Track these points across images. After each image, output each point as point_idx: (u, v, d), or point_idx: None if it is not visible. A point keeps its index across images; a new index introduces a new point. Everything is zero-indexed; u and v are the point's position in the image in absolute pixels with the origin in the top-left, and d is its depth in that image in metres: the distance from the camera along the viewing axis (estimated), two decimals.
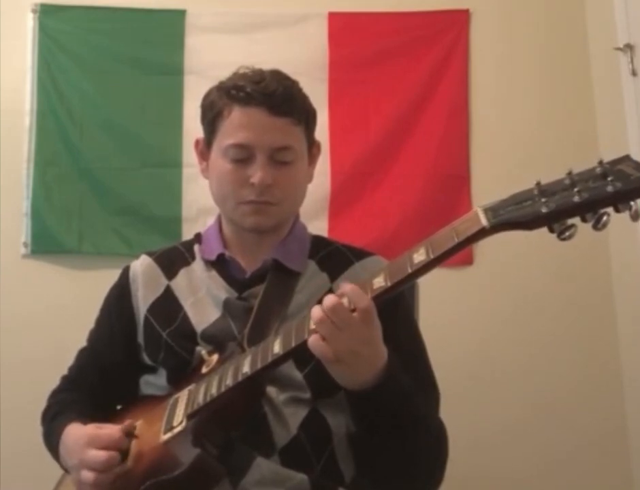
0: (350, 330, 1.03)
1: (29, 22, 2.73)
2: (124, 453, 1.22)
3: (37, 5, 2.73)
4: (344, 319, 1.02)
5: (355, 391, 1.11)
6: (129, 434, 1.24)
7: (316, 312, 1.04)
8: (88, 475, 1.18)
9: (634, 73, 2.34)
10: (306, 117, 1.40)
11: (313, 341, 1.04)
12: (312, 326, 1.05)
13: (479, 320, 2.64)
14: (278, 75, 1.38)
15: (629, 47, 2.36)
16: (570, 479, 2.54)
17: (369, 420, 1.17)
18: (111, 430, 1.22)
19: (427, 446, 1.22)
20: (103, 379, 1.46)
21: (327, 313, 1.03)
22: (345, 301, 1.03)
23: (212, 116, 1.39)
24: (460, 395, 2.33)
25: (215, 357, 1.28)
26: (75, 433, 1.28)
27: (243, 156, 1.35)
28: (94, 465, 1.18)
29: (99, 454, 1.18)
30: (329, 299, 1.03)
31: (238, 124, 1.34)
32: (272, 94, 1.33)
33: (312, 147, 1.46)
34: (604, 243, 2.61)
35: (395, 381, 1.13)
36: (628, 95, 2.38)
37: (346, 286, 1.05)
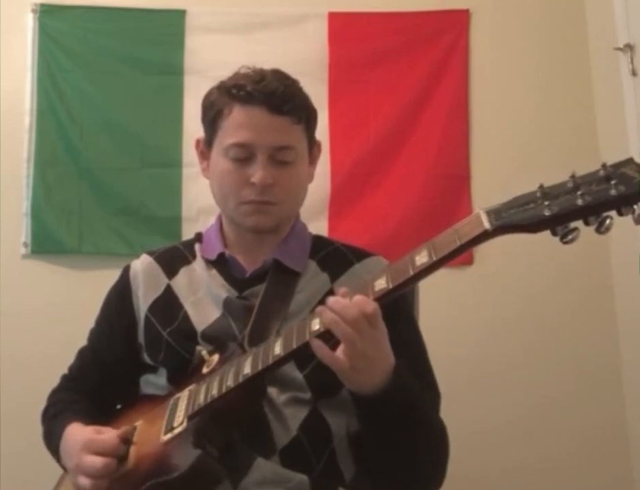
0: (364, 336, 1.03)
1: (29, 22, 2.72)
2: (125, 453, 1.22)
3: (37, 5, 2.73)
4: (363, 327, 1.03)
5: (365, 395, 1.10)
6: (126, 441, 1.23)
7: (340, 326, 1.03)
8: (84, 481, 1.18)
9: (634, 73, 2.34)
10: (307, 116, 1.40)
11: (328, 355, 1.04)
12: (316, 327, 1.05)
13: (479, 320, 2.64)
14: (278, 75, 1.38)
15: (629, 47, 2.36)
16: (570, 477, 2.54)
17: (375, 422, 1.17)
18: (108, 436, 1.22)
19: (430, 447, 1.22)
20: (103, 378, 1.46)
21: (352, 326, 1.03)
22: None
23: (212, 115, 1.39)
24: (460, 395, 2.33)
25: (216, 357, 1.28)
26: (74, 435, 1.28)
27: (243, 155, 1.34)
28: (90, 471, 1.18)
29: (95, 461, 1.18)
30: (351, 311, 1.03)
31: (239, 124, 1.34)
32: (273, 93, 1.33)
33: (313, 147, 1.46)
34: (605, 244, 2.61)
35: (404, 384, 1.13)
36: (628, 95, 2.38)
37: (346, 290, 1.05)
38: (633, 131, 2.32)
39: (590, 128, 2.72)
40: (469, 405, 2.48)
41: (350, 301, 1.04)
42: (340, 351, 1.06)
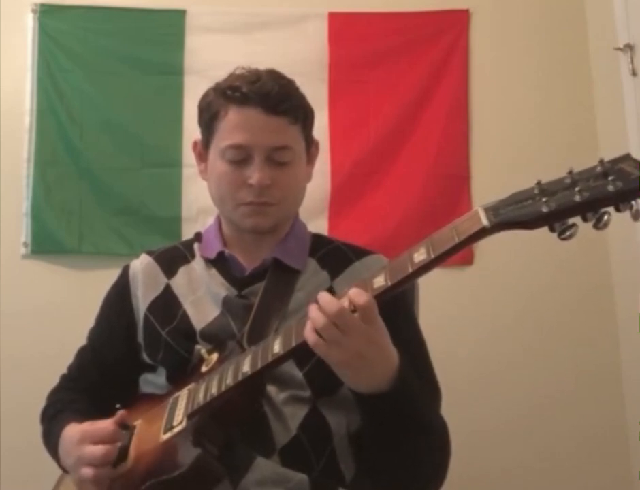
0: (353, 331, 1.02)
1: (29, 22, 2.72)
2: (124, 452, 1.22)
3: (37, 5, 2.73)
4: (347, 323, 1.01)
5: (366, 395, 1.10)
6: (124, 426, 1.23)
7: (318, 317, 1.02)
8: (87, 471, 1.17)
9: (634, 73, 2.34)
10: (303, 116, 1.39)
11: (317, 344, 1.03)
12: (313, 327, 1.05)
13: (479, 320, 2.64)
14: (274, 75, 1.38)
15: (629, 47, 2.36)
16: (570, 477, 2.54)
17: (377, 423, 1.16)
18: (105, 424, 1.22)
19: (431, 447, 1.22)
20: (102, 377, 1.46)
21: (330, 318, 1.01)
22: (345, 302, 1.03)
23: (208, 117, 1.39)
24: (460, 394, 2.32)
25: (215, 356, 1.28)
26: (71, 433, 1.27)
27: (240, 157, 1.34)
28: (92, 460, 1.18)
29: (96, 449, 1.18)
30: (332, 305, 1.01)
31: (235, 125, 1.34)
32: (268, 93, 1.32)
33: (311, 146, 1.46)
34: (604, 242, 2.61)
35: (408, 387, 1.12)
36: (628, 95, 2.38)
37: (346, 289, 1.04)
38: (633, 131, 2.33)
39: (590, 128, 2.72)
40: (469, 404, 2.48)
41: (343, 297, 1.03)
42: None
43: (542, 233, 0.93)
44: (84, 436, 1.21)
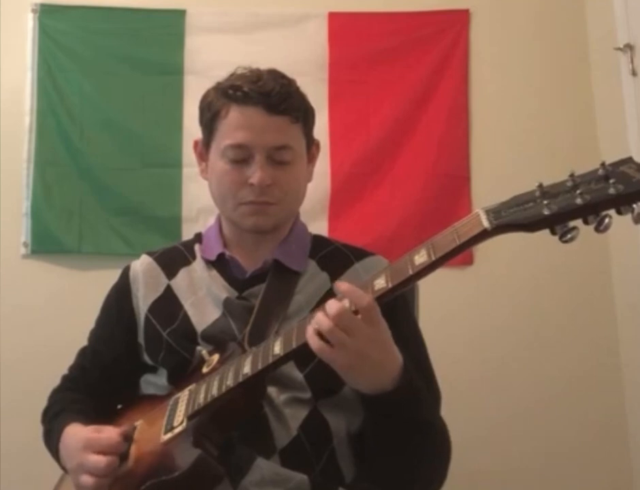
0: (356, 333, 1.02)
1: (29, 22, 2.73)
2: (125, 453, 1.22)
3: (37, 5, 2.73)
4: (350, 323, 1.02)
5: (371, 395, 1.10)
6: (128, 438, 1.24)
7: (324, 321, 1.03)
8: (87, 480, 1.18)
9: (634, 73, 2.34)
10: (304, 115, 1.40)
11: (321, 348, 1.03)
12: (315, 326, 1.05)
13: (479, 320, 2.64)
14: (275, 74, 1.38)
15: (629, 47, 2.36)
16: (570, 477, 2.54)
17: (380, 423, 1.17)
18: (110, 434, 1.22)
19: (432, 447, 1.22)
20: (103, 378, 1.47)
21: (334, 320, 1.02)
22: (346, 303, 1.03)
23: (209, 116, 1.39)
24: (460, 394, 2.32)
25: (216, 357, 1.28)
26: (74, 435, 1.28)
27: (241, 156, 1.34)
28: (94, 470, 1.18)
29: (99, 460, 1.18)
30: (334, 306, 1.02)
31: (236, 124, 1.34)
32: (269, 93, 1.32)
33: (311, 146, 1.46)
34: (604, 243, 2.61)
35: (412, 387, 1.12)
36: (628, 95, 2.38)
37: (342, 287, 1.04)
38: (633, 131, 2.33)
39: (590, 128, 2.72)
40: (469, 405, 2.47)
41: (343, 298, 1.04)
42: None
43: (543, 235, 0.93)
44: (87, 444, 1.21)
